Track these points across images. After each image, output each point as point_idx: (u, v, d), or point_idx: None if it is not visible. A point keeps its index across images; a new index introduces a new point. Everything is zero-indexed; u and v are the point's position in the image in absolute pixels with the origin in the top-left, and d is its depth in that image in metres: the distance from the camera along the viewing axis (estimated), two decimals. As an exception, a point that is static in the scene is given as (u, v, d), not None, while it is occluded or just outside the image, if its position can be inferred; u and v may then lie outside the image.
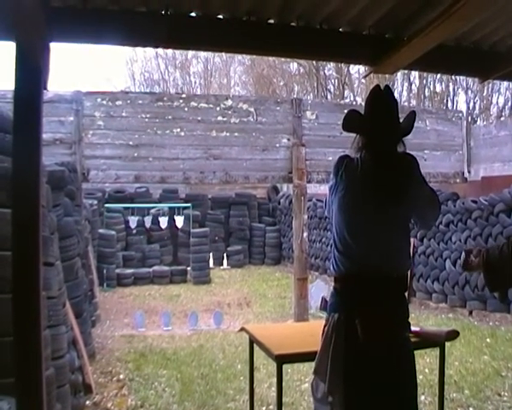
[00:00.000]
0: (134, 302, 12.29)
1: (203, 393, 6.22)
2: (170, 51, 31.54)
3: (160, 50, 31.20)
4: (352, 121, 3.15)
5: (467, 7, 2.90)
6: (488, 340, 8.36)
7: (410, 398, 2.98)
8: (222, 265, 17.93)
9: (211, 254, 16.68)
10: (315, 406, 3.29)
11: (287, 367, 6.54)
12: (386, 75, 21.27)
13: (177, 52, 31.40)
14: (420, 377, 6.51)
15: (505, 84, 21.99)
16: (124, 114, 9.93)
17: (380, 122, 3.05)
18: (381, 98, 3.10)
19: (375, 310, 2.87)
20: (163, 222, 17.30)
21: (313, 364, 3.12)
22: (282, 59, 23.89)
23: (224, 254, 18.21)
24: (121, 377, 6.81)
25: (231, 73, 35.23)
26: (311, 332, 3.54)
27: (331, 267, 3.14)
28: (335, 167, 3.22)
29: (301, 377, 6.66)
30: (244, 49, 4.23)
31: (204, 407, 5.79)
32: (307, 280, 10.23)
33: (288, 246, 17.48)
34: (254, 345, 3.86)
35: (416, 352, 6.87)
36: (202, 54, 32.10)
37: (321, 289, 11.28)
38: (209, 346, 8.41)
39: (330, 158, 10.67)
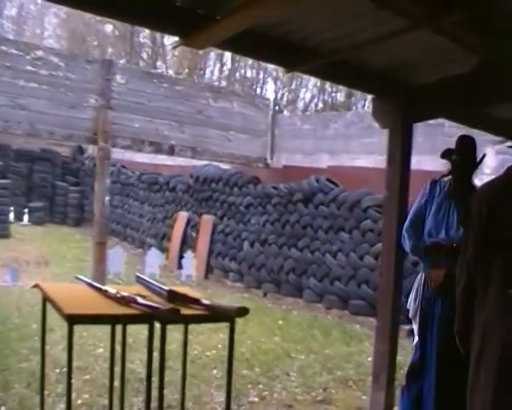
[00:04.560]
0: None
1: (-4, 352, 5.88)
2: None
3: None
4: (446, 152, 4.63)
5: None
6: (280, 322, 8.68)
7: None
8: (22, 220, 17.42)
9: (12, 208, 15.97)
10: None
11: (82, 331, 6.53)
12: (200, 52, 21.39)
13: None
14: (213, 352, 6.64)
15: (313, 80, 23.09)
16: None
17: (460, 156, 4.53)
18: (465, 142, 4.61)
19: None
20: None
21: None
22: (98, 18, 23.14)
23: (25, 210, 17.68)
24: None
25: (46, 24, 33.35)
26: (106, 296, 3.38)
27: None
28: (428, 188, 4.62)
29: (96, 341, 6.56)
30: None
31: (-4, 366, 5.46)
32: (106, 245, 10.08)
33: (91, 209, 16.99)
34: (48, 304, 3.64)
35: (209, 327, 6.99)
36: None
37: (119, 255, 11.12)
38: (4, 303, 8.05)
39: (137, 125, 10.52)
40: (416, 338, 4.44)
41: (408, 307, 4.63)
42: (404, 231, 4.50)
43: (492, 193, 3.24)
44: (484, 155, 4.60)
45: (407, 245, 4.50)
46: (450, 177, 4.59)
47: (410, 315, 4.58)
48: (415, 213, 4.53)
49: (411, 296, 4.59)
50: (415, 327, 4.52)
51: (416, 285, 4.53)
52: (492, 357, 2.98)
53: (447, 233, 4.30)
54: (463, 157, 4.51)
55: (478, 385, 3.06)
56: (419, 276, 4.51)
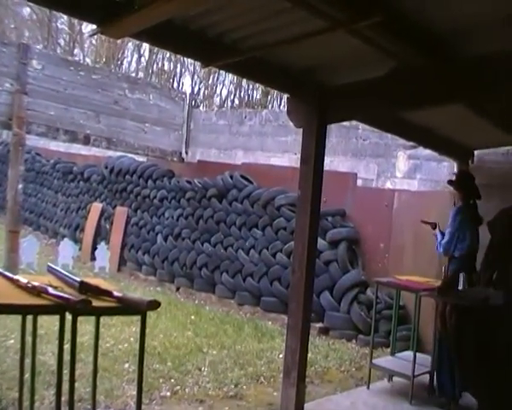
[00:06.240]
0: None
1: None
2: None
3: None
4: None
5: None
6: (193, 317, 8.67)
7: None
8: None
9: None
10: None
11: None
12: (118, 41, 21.03)
13: None
14: (125, 345, 6.58)
15: (230, 77, 23.07)
16: None
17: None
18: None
19: None
20: None
21: None
22: (16, 0, 22.43)
23: None
24: None
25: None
26: (17, 285, 3.29)
27: None
28: None
29: (7, 332, 6.38)
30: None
31: None
32: (19, 234, 9.79)
33: (4, 196, 16.56)
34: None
35: (122, 320, 6.89)
36: None
37: (32, 245, 10.81)
38: None
39: (52, 113, 10.25)
40: None
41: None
42: None
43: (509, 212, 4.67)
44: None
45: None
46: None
47: None
48: None
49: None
50: None
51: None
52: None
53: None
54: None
55: None
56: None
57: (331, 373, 6.78)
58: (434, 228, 6.37)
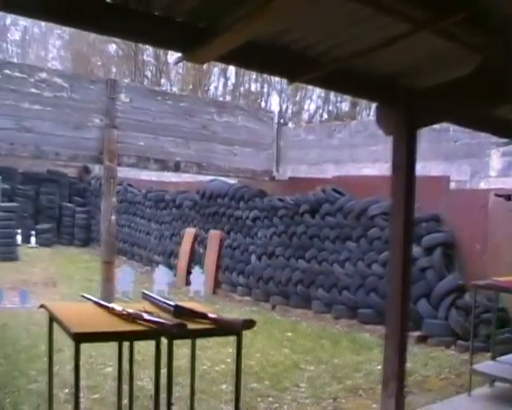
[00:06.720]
0: None
1: (5, 374, 5.93)
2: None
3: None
4: None
5: (277, 8, 2.91)
6: (289, 334, 8.65)
7: None
8: (30, 242, 17.53)
9: (19, 231, 16.10)
10: None
11: (90, 351, 6.49)
12: (204, 67, 21.44)
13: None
14: (222, 366, 6.60)
15: (317, 91, 23.10)
16: None
17: None
18: None
19: None
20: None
21: None
22: (102, 38, 23.25)
23: (33, 232, 17.84)
24: None
25: (50, 46, 33.50)
26: (113, 313, 3.36)
27: None
28: None
29: (105, 360, 6.52)
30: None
31: (5, 388, 5.49)
32: (114, 264, 10.11)
33: (98, 228, 17.17)
34: (55, 324, 3.62)
35: (218, 341, 6.96)
36: (21, 22, 30.26)
37: (128, 273, 11.11)
38: (13, 325, 8.11)
39: (142, 143, 10.55)
40: None
41: None
42: None
43: None
44: None
45: None
46: None
47: None
48: None
49: None
50: None
51: None
52: None
53: None
54: None
55: None
56: None
57: (430, 382, 6.61)
58: (509, 199, 6.09)
